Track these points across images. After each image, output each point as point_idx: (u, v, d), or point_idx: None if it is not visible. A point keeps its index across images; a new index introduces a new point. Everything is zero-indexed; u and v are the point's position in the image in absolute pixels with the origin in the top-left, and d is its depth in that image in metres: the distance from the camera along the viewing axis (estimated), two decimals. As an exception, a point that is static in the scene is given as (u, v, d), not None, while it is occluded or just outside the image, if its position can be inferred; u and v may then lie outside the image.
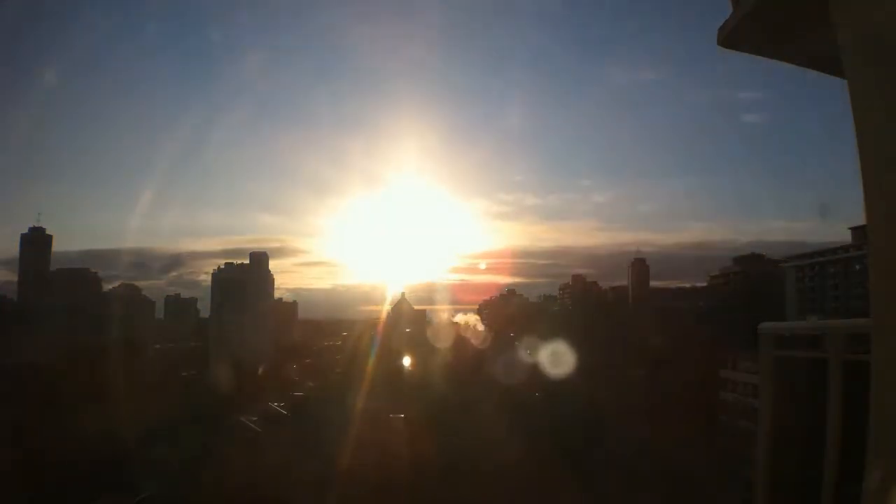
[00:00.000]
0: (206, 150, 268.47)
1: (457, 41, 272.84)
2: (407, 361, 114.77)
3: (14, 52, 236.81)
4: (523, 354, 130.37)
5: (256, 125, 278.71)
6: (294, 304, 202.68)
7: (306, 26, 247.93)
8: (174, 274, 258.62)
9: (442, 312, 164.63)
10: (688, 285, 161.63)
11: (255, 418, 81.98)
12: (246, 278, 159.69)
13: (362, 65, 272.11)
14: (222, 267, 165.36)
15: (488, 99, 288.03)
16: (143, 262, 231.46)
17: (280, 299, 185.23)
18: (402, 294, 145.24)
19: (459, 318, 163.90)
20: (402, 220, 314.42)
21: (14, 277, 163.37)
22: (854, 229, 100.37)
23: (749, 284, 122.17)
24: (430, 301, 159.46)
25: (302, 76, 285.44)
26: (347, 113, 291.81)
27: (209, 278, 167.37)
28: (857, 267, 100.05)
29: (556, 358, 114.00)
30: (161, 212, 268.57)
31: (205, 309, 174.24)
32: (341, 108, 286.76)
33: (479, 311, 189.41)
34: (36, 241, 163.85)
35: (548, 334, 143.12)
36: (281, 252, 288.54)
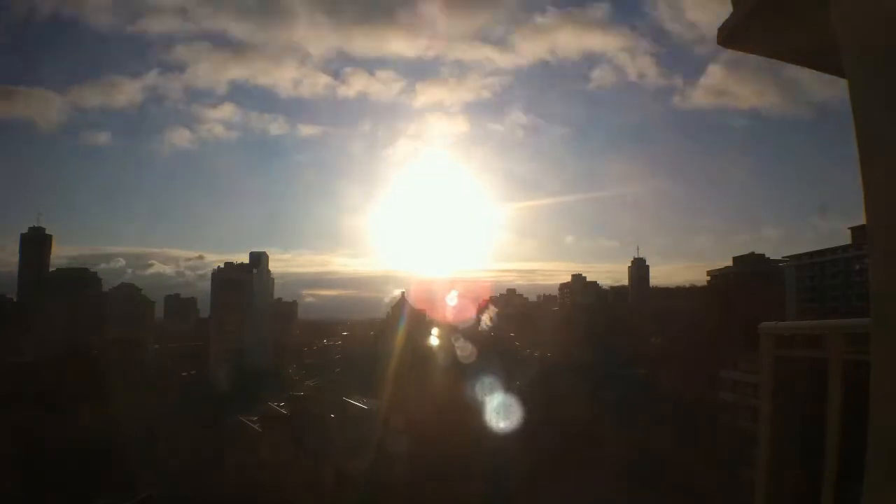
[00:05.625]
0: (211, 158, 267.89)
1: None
2: (406, 361, 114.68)
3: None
4: (524, 354, 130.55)
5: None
6: (294, 304, 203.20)
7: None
8: (173, 273, 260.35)
9: (442, 312, 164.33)
10: (687, 285, 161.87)
11: (255, 418, 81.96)
12: (245, 278, 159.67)
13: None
14: (222, 267, 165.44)
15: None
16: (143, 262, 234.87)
17: (279, 299, 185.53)
18: (402, 294, 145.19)
19: (459, 318, 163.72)
20: (401, 222, 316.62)
21: (14, 277, 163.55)
22: (854, 229, 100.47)
23: (749, 284, 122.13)
24: (431, 302, 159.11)
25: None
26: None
27: (209, 278, 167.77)
28: (857, 267, 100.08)
29: (555, 359, 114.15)
30: (166, 215, 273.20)
31: (205, 309, 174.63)
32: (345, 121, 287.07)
33: (479, 312, 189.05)
34: (36, 241, 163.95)
35: (548, 334, 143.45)
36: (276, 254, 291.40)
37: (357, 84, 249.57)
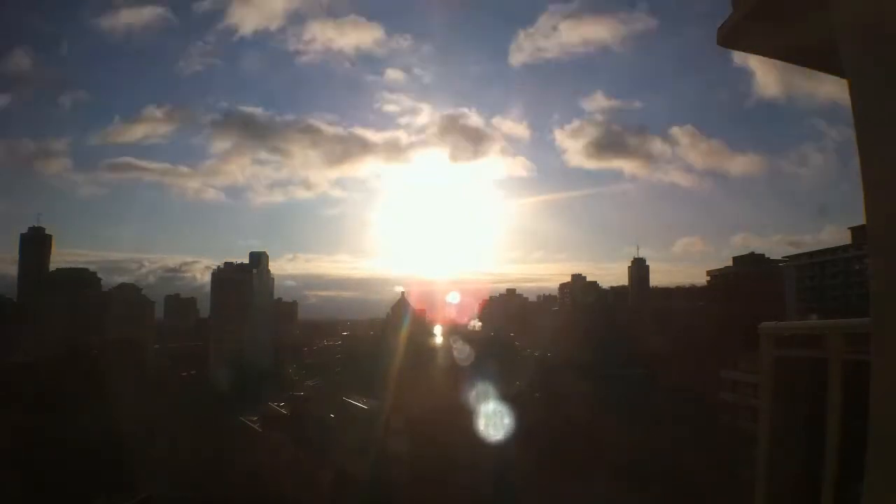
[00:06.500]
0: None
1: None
2: (406, 361, 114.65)
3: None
4: (524, 354, 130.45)
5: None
6: (294, 304, 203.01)
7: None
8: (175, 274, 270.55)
9: (442, 313, 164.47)
10: (687, 285, 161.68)
11: (255, 418, 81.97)
12: (245, 278, 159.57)
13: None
14: (222, 267, 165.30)
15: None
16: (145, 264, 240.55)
17: (280, 299, 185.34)
18: (402, 294, 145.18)
19: (459, 318, 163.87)
20: (402, 224, 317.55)
21: (14, 277, 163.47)
22: (854, 229, 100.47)
23: (749, 284, 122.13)
24: (431, 302, 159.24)
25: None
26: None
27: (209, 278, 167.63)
28: (857, 267, 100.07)
29: (555, 360, 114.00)
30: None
31: (205, 309, 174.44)
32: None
33: (479, 311, 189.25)
34: (36, 241, 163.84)
35: (548, 334, 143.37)
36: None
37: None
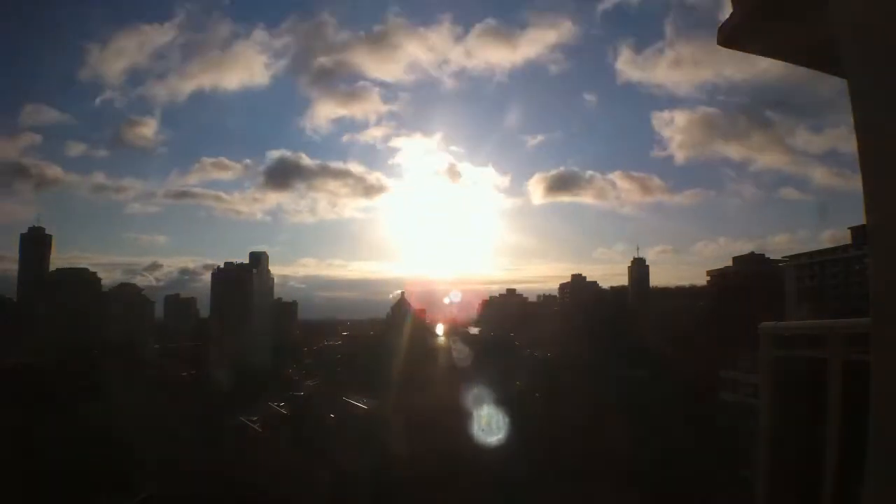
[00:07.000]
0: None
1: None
2: (406, 361, 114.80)
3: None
4: (523, 354, 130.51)
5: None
6: (294, 304, 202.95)
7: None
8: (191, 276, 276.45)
9: (441, 313, 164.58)
10: (687, 285, 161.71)
11: (255, 418, 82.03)
12: (245, 278, 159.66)
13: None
14: (222, 267, 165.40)
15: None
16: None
17: (280, 299, 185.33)
18: (402, 295, 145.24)
19: (459, 318, 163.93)
20: (402, 224, 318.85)
21: (14, 277, 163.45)
22: (854, 229, 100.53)
23: (749, 284, 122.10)
24: (430, 303, 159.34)
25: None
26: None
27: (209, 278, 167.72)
28: (857, 267, 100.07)
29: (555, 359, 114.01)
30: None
31: (205, 309, 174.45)
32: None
33: (479, 311, 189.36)
34: (36, 241, 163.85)
35: (548, 334, 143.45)
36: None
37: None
